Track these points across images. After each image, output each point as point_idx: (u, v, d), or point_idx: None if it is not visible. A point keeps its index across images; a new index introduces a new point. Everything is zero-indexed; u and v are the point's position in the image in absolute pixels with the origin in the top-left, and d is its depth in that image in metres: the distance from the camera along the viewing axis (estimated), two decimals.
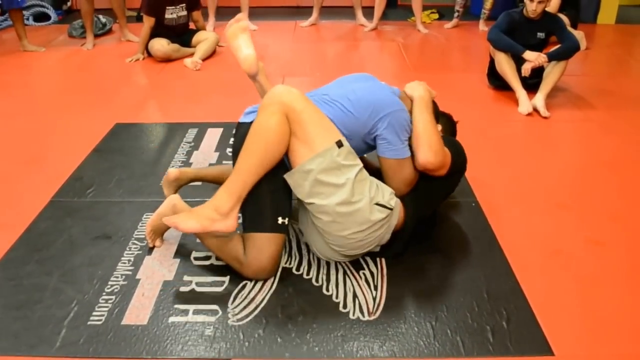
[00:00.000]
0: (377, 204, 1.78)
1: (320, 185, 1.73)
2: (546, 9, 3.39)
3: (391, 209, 1.81)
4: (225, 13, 5.36)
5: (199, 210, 1.77)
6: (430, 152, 1.82)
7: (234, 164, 1.94)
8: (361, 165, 1.80)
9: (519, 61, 3.40)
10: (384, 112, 1.83)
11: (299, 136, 1.74)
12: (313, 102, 1.84)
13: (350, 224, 1.77)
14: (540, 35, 3.45)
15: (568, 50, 3.35)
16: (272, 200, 1.82)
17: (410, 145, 1.87)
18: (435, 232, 2.11)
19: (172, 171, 2.25)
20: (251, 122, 1.86)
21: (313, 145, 1.73)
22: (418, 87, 2.00)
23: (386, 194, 1.82)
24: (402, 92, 2.02)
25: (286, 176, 1.79)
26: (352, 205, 1.74)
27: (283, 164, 1.83)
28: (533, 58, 3.33)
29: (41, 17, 5.62)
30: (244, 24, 2.21)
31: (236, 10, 5.27)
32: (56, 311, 1.72)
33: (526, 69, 3.35)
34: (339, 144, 1.75)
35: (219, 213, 1.75)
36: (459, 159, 1.99)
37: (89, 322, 1.68)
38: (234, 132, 1.97)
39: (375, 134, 1.85)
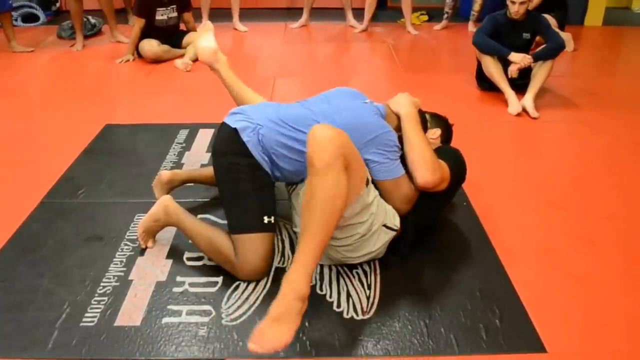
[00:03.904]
0: (384, 225, 1.79)
1: (349, 226, 1.72)
2: (528, 8, 3.43)
3: (396, 230, 1.82)
4: (218, 15, 5.37)
5: (286, 310, 1.44)
6: (427, 171, 1.81)
7: (214, 163, 1.93)
8: (376, 192, 1.79)
9: (505, 63, 3.43)
10: (369, 136, 1.81)
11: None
12: (298, 114, 1.85)
13: (360, 249, 1.80)
14: (526, 35, 3.49)
15: (553, 49, 3.38)
16: (256, 199, 1.82)
17: (403, 163, 1.86)
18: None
19: (165, 173, 2.24)
20: (234, 128, 1.85)
21: (353, 188, 1.62)
22: (403, 101, 1.98)
23: (390, 214, 1.82)
24: (386, 107, 2.00)
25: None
26: (367, 235, 1.76)
27: (267, 175, 1.85)
28: (518, 60, 3.36)
29: (30, 18, 5.57)
30: (207, 26, 2.41)
31: (229, 11, 5.29)
32: (48, 313, 1.71)
33: (512, 71, 3.39)
34: (367, 183, 1.72)
35: (301, 298, 1.46)
36: (459, 169, 1.98)
37: (81, 324, 1.67)
38: (216, 131, 1.97)
39: (365, 158, 1.81)
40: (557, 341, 1.62)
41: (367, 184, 1.72)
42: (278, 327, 1.41)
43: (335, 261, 1.88)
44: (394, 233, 1.82)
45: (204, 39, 2.36)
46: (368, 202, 1.72)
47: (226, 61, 2.33)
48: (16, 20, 5.36)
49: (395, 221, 1.82)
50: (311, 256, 1.49)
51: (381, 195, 1.84)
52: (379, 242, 1.81)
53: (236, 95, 2.27)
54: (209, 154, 2.77)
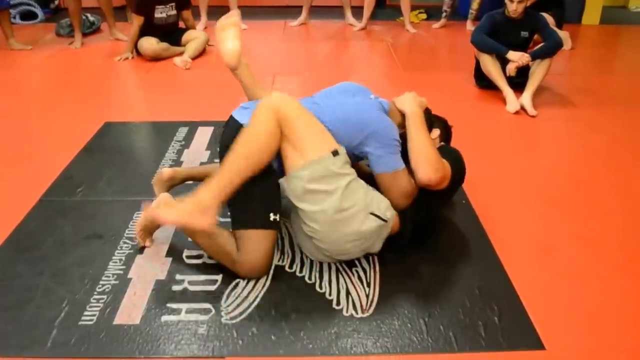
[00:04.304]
0: (372, 213, 1.78)
1: (312, 192, 1.74)
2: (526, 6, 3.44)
3: (386, 221, 1.81)
4: (216, 12, 5.36)
5: (180, 203, 1.71)
6: (430, 169, 1.82)
7: (220, 156, 1.93)
8: (355, 175, 1.80)
9: (504, 61, 3.44)
10: (369, 129, 1.83)
11: (293, 143, 1.74)
12: None
13: (340, 232, 1.77)
14: (524, 34, 3.50)
15: (551, 48, 3.39)
16: (262, 196, 1.81)
17: (405, 159, 1.86)
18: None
19: (166, 171, 2.24)
20: (241, 124, 1.86)
21: (307, 152, 1.73)
22: (409, 101, 1.98)
23: (382, 205, 1.82)
24: (391, 103, 2.00)
25: (282, 180, 1.80)
26: (342, 212, 1.74)
27: (273, 171, 1.84)
28: (517, 58, 3.37)
29: (28, 16, 5.55)
30: (235, 19, 2.22)
31: (227, 9, 5.27)
32: (47, 311, 1.71)
33: (510, 69, 3.40)
34: (335, 153, 1.75)
35: (199, 208, 1.68)
36: (459, 169, 1.98)
37: (80, 322, 1.67)
38: (224, 125, 1.97)
39: (365, 151, 1.84)
40: (555, 338, 1.63)
41: (335, 155, 1.74)
42: (168, 211, 1.70)
43: (333, 253, 1.85)
44: (383, 223, 1.80)
45: (229, 37, 2.18)
46: (333, 170, 1.73)
47: (247, 64, 2.24)
48: (14, 17, 5.35)
49: (386, 212, 1.81)
50: (222, 178, 1.70)
51: (380, 190, 1.85)
52: (366, 226, 1.78)
53: (251, 95, 2.24)
54: (209, 152, 2.77)
